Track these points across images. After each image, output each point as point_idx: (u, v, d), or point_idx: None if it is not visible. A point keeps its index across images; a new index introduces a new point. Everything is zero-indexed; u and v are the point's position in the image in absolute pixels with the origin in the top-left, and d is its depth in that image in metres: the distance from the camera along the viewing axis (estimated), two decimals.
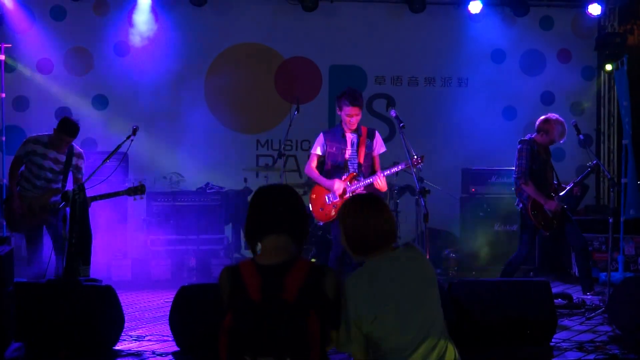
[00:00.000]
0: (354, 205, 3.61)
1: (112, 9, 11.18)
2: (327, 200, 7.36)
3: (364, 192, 7.16)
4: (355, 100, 7.21)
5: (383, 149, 7.58)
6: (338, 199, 7.28)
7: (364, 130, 7.46)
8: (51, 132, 7.73)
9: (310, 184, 10.53)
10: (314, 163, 7.50)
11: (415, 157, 7.10)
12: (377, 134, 7.56)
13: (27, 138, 7.89)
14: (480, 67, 11.86)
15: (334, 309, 3.33)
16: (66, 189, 7.56)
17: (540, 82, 12.04)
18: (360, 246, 3.53)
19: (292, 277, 3.25)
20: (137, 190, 7.73)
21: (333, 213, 7.31)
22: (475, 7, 11.45)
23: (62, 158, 7.73)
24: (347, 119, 7.28)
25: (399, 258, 3.50)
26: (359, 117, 7.33)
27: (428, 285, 3.49)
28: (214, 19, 11.46)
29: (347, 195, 7.22)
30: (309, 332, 3.19)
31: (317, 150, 7.48)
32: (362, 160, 7.38)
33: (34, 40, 10.91)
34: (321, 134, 7.53)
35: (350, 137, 7.38)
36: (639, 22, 13.06)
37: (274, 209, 3.40)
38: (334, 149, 7.37)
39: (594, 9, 11.58)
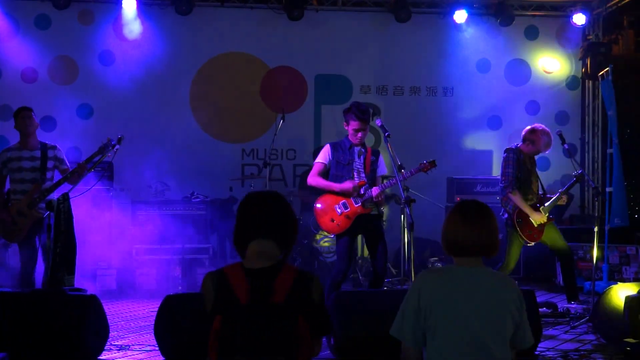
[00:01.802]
0: (464, 204, 3.62)
1: (97, 18, 11.15)
2: (337, 211, 7.23)
3: (375, 198, 7.21)
4: (362, 115, 7.22)
5: (385, 171, 7.64)
6: (350, 208, 7.20)
7: (368, 148, 7.50)
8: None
9: (299, 193, 10.56)
10: (317, 172, 7.42)
11: (425, 162, 7.24)
12: (380, 155, 7.62)
13: None
14: (466, 77, 11.91)
15: (319, 314, 3.35)
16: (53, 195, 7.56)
17: (525, 91, 12.10)
18: (451, 246, 3.56)
19: (281, 281, 3.27)
20: (106, 146, 7.46)
21: (346, 224, 7.21)
22: (460, 17, 11.50)
23: (37, 153, 7.67)
24: (354, 133, 7.27)
25: (481, 276, 3.49)
26: (366, 132, 7.34)
27: (495, 318, 3.39)
28: (200, 28, 11.45)
29: (364, 195, 7.20)
30: (299, 335, 3.22)
31: (322, 159, 7.42)
32: (368, 172, 7.38)
33: (18, 49, 10.87)
34: (328, 145, 7.51)
35: (357, 149, 7.38)
36: (623, 32, 13.17)
37: (261, 214, 3.42)
38: (341, 158, 7.35)
39: (579, 19, 11.66)
